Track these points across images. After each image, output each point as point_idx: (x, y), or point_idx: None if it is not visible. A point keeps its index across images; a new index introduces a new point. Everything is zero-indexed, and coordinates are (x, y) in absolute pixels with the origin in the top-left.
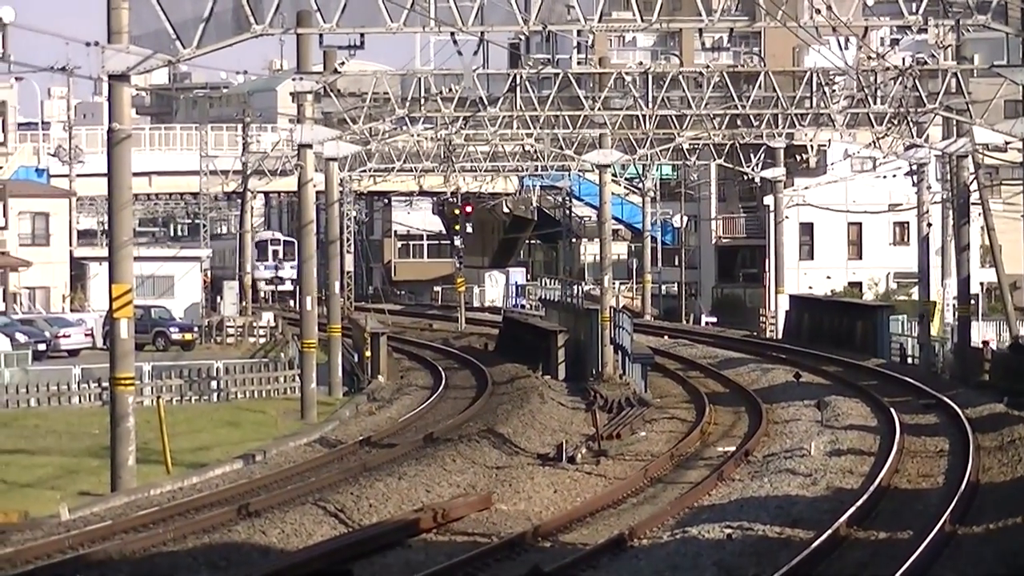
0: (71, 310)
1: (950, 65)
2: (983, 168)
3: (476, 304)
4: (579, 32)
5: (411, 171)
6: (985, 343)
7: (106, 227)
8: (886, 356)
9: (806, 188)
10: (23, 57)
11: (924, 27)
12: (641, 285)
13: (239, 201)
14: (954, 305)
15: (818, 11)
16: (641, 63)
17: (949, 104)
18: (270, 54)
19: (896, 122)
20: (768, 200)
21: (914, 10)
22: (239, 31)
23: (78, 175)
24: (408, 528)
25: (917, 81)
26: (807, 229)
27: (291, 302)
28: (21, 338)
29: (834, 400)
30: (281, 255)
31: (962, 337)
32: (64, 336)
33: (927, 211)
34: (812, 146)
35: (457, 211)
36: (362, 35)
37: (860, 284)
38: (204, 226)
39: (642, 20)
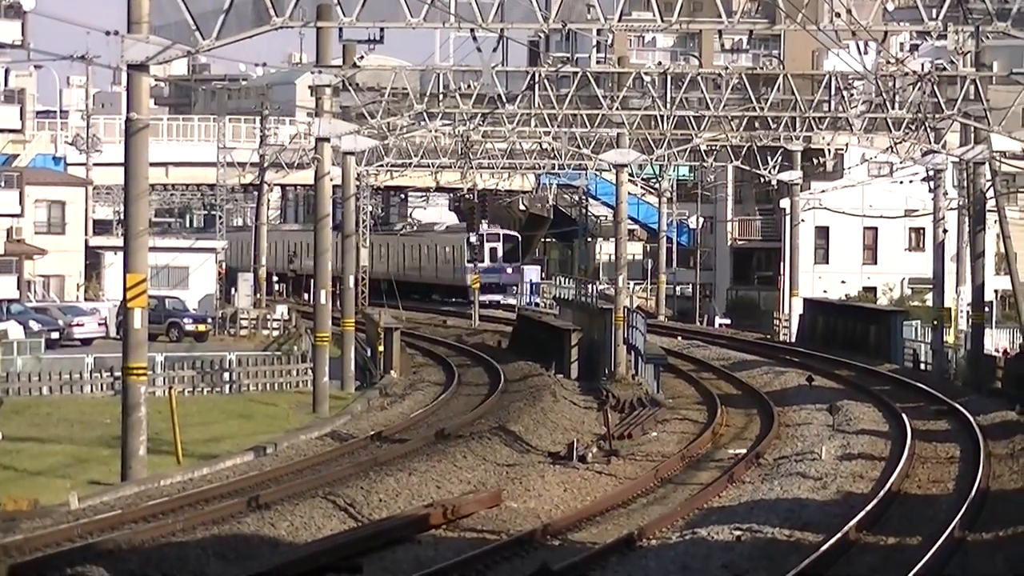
0: (85, 299)
1: (969, 71)
2: (1000, 175)
3: None
4: (599, 31)
5: (428, 167)
6: (1005, 351)
7: (122, 216)
8: (899, 361)
9: (823, 192)
10: (43, 45)
11: (944, 33)
12: (656, 285)
13: (255, 193)
14: (968, 312)
15: (838, 15)
16: (660, 63)
17: (967, 110)
18: (289, 47)
19: (914, 127)
20: (784, 203)
21: (934, 16)
22: (259, 23)
23: (95, 164)
24: (418, 524)
25: (936, 87)
26: (823, 233)
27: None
28: (34, 326)
29: (846, 404)
30: (501, 255)
31: (975, 344)
32: (77, 325)
33: (943, 217)
34: (829, 150)
35: (473, 207)
36: (382, 30)
37: (875, 289)
38: (220, 218)
39: (662, 20)
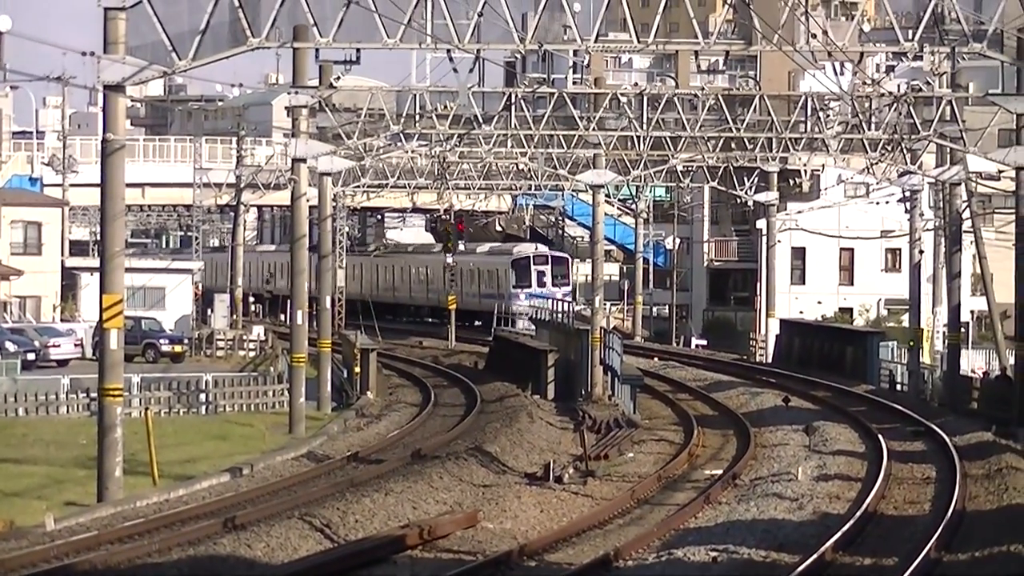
0: (61, 320)
1: (945, 92)
2: (976, 196)
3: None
4: (575, 52)
5: (404, 187)
6: (986, 373)
7: (98, 237)
8: (875, 382)
9: (799, 212)
10: (19, 66)
11: (920, 54)
12: (632, 306)
13: (232, 214)
14: (944, 333)
15: (814, 36)
16: (637, 84)
17: (943, 131)
18: (266, 68)
19: (890, 148)
20: (761, 224)
21: (910, 37)
22: (235, 44)
23: (71, 185)
24: (394, 544)
25: (912, 108)
26: (799, 254)
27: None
28: (10, 347)
29: (822, 425)
30: (550, 279)
31: (951, 365)
32: (54, 346)
33: (919, 238)
34: (806, 171)
35: (450, 228)
36: (358, 50)
37: (851, 310)
38: (197, 238)
39: (638, 41)
